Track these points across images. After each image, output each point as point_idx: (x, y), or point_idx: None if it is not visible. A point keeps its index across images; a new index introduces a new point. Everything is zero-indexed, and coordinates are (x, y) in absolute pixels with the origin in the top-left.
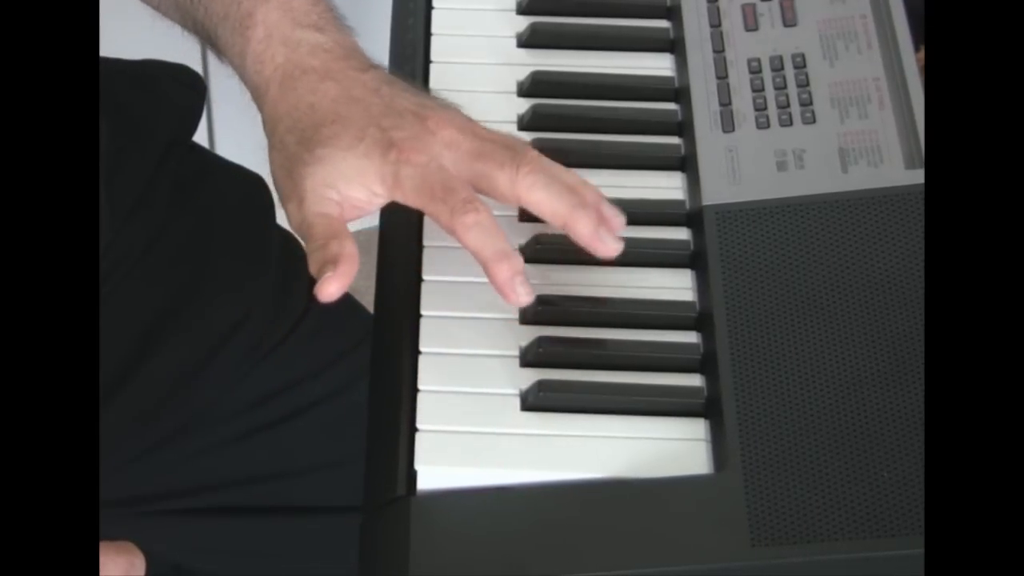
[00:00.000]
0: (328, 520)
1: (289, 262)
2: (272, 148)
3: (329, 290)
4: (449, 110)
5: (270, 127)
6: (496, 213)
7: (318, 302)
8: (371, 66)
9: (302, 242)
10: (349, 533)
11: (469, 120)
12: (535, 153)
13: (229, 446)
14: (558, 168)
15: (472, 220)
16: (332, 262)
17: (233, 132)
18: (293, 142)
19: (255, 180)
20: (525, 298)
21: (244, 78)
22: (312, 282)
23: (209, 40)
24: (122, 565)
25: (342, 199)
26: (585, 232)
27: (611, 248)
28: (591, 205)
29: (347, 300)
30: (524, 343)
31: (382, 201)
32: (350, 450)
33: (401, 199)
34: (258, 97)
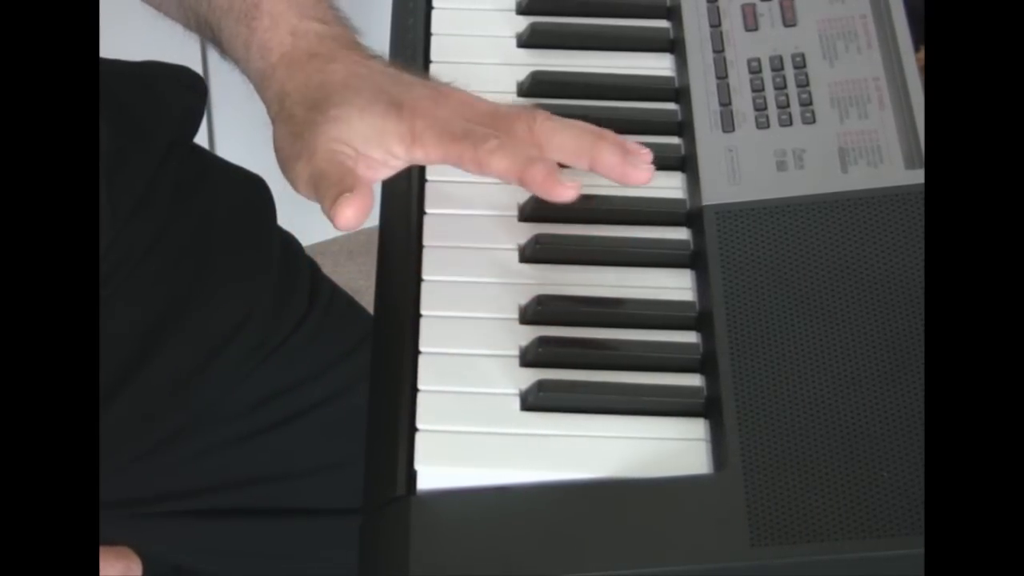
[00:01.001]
0: (329, 521)
1: (290, 263)
2: (277, 122)
3: (347, 213)
4: (458, 88)
5: (276, 104)
6: (495, 213)
7: (318, 303)
8: (375, 56)
9: (315, 194)
10: (349, 534)
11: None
12: (547, 112)
13: (230, 447)
14: (573, 120)
15: (495, 144)
16: (348, 190)
17: (233, 133)
18: (303, 111)
19: (255, 181)
20: (571, 191)
21: (248, 68)
22: (313, 283)
23: (212, 34)
24: (119, 569)
25: (357, 156)
26: (614, 160)
27: (644, 172)
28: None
29: (347, 301)
30: (524, 343)
31: (399, 164)
32: (351, 451)
33: (422, 155)
34: (263, 81)
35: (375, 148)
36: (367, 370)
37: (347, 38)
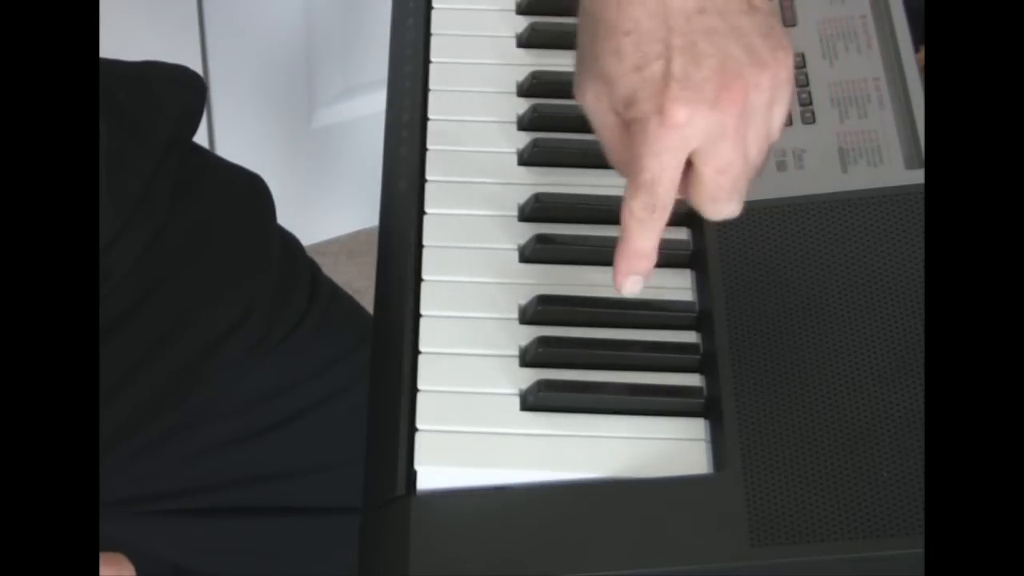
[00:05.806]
0: (328, 521)
1: (290, 262)
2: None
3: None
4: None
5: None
6: (495, 213)
7: (318, 302)
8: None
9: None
10: (349, 534)
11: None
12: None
13: (229, 446)
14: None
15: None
16: None
17: (233, 132)
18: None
19: (255, 180)
20: (628, 288)
21: None
22: (313, 282)
23: None
24: (110, 571)
25: None
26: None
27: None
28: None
29: (347, 301)
30: (524, 343)
31: None
32: (350, 451)
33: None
34: None
35: None
36: (367, 370)
37: None
